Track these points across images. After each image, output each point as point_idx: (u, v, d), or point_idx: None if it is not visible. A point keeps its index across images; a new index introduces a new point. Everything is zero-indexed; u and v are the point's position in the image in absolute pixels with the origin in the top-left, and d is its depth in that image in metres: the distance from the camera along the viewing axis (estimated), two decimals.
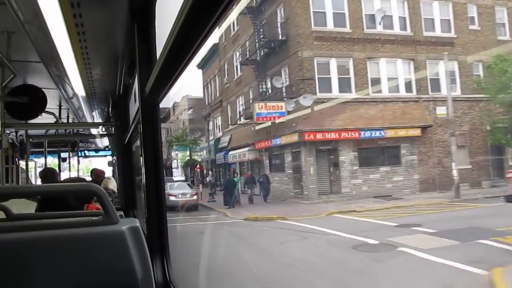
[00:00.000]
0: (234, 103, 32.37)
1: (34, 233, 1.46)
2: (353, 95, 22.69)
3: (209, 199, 25.02)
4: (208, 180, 30.58)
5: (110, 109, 5.41)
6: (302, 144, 21.94)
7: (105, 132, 6.24)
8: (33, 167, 10.55)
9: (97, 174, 6.64)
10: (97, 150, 11.57)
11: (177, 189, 23.63)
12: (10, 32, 2.91)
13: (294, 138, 22.08)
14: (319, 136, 21.84)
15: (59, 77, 3.88)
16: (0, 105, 3.94)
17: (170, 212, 20.48)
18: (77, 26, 2.56)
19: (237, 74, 31.67)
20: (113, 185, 6.03)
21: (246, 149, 28.52)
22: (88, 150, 11.72)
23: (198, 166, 42.17)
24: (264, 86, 26.00)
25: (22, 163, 8.22)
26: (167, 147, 51.18)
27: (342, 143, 22.28)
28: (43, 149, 7.71)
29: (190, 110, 47.80)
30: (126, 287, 1.52)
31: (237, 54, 30.98)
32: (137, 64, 2.21)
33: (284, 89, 24.00)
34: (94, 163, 13.92)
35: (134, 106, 3.03)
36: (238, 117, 30.49)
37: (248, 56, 27.46)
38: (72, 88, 4.33)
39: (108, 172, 9.56)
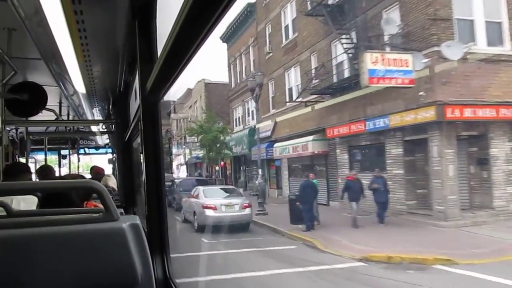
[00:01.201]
0: (280, 78, 24.14)
1: (34, 230, 1.46)
2: (507, 49, 14.59)
3: (259, 211, 17.32)
4: (257, 183, 20.39)
5: (110, 106, 5.41)
6: (435, 126, 13.78)
7: (105, 130, 6.25)
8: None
9: (96, 172, 6.65)
10: (97, 147, 11.57)
11: (216, 196, 15.67)
12: (11, 29, 2.91)
13: (425, 115, 13.83)
14: (467, 113, 13.59)
15: (60, 74, 3.89)
16: (0, 102, 3.94)
17: (204, 235, 13.86)
18: (78, 23, 2.56)
19: (287, 38, 23.58)
20: (112, 182, 6.04)
21: (310, 138, 19.95)
22: (88, 148, 11.72)
23: (222, 163, 34.02)
24: (346, 41, 17.20)
25: (22, 160, 8.23)
26: (177, 142, 47.08)
27: (495, 126, 14.18)
28: (43, 146, 7.71)
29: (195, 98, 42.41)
30: (126, 284, 1.53)
31: (289, 10, 23.03)
32: (138, 61, 2.21)
33: (390, 39, 15.77)
34: (94, 161, 13.94)
35: (134, 104, 3.03)
36: (288, 96, 23.26)
37: (313, 5, 18.71)
38: (72, 85, 4.33)
39: (108, 169, 9.57)
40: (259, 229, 15.17)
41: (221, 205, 14.75)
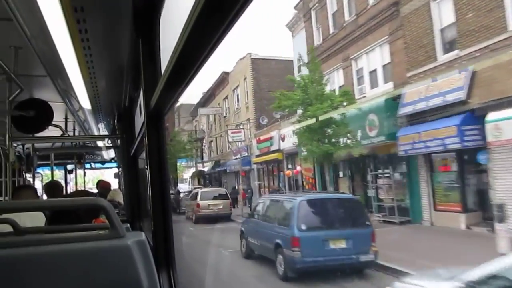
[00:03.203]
0: None
1: (41, 248, 1.46)
2: None
3: None
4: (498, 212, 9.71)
5: (115, 121, 5.44)
6: None
7: (111, 145, 6.27)
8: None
9: (102, 186, 6.67)
10: (103, 162, 11.61)
11: None
12: (17, 47, 2.94)
13: None
14: None
15: (65, 90, 3.92)
16: (7, 119, 3.97)
17: None
18: (83, 41, 2.60)
19: None
20: (119, 197, 6.05)
21: None
22: (94, 162, 11.76)
23: (298, 167, 21.17)
24: None
25: (28, 176, 8.27)
26: (208, 144, 38.96)
27: None
28: (49, 162, 7.74)
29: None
30: None
31: None
32: (142, 77, 2.22)
33: None
34: (101, 175, 13.97)
35: (139, 119, 3.05)
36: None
37: None
38: (78, 101, 4.36)
39: (115, 184, 9.58)
40: None
41: None
